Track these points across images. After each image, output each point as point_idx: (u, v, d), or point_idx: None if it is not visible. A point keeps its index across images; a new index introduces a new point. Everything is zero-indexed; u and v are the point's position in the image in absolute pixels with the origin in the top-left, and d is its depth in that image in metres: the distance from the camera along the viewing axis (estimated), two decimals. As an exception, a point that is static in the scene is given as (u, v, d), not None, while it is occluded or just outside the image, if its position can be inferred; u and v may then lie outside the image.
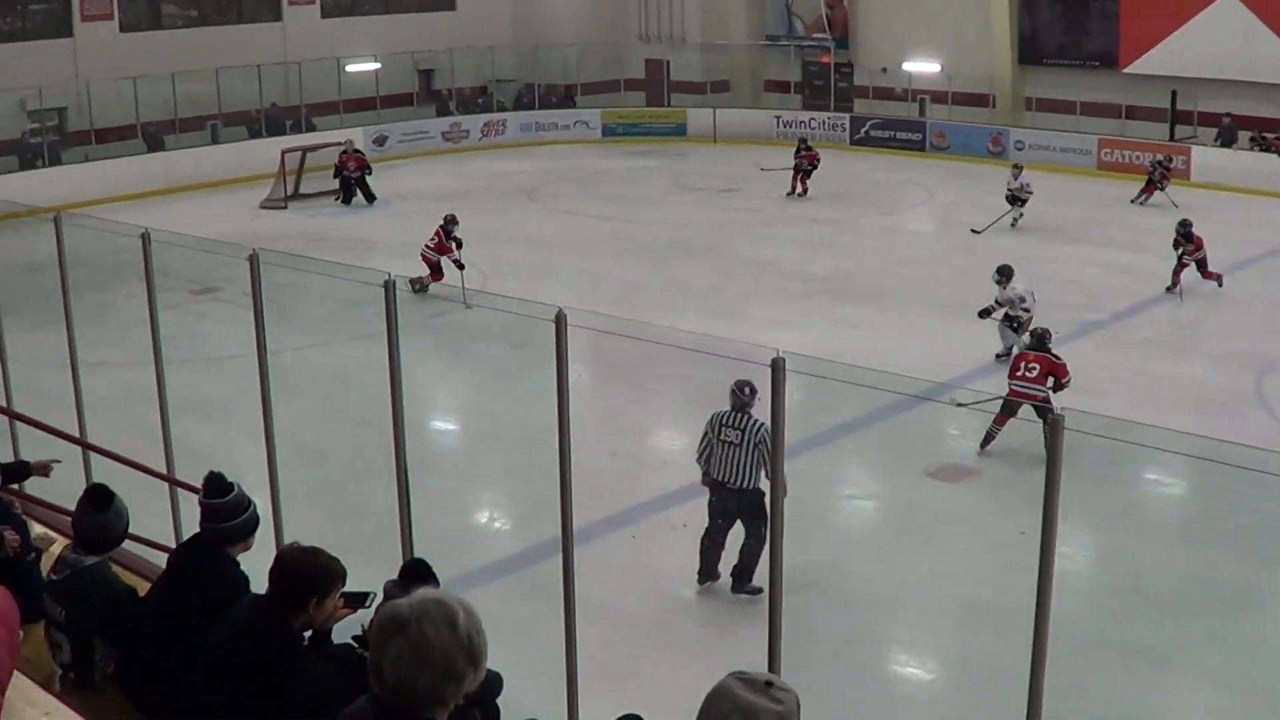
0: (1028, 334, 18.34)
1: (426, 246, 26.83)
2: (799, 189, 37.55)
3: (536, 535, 14.60)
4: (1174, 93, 40.33)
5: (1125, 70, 41.66)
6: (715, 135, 46.78)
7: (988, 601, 13.70)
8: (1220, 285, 26.35)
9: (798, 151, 37.97)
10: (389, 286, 9.34)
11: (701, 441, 13.97)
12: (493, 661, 6.59)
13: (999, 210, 31.79)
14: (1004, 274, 22.38)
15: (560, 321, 8.18)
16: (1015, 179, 32.39)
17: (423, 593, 4.01)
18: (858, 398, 18.05)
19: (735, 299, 26.29)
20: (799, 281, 27.76)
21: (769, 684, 3.62)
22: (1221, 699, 12.65)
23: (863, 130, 45.61)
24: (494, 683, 7.18)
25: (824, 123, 46.53)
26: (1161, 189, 34.97)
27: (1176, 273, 26.16)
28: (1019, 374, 17.70)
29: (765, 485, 13.24)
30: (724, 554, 14.01)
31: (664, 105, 50.13)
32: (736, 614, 13.00)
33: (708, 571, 14.07)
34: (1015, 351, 20.59)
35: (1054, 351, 17.90)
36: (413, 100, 48.22)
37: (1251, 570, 14.96)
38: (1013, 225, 31.88)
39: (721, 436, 13.76)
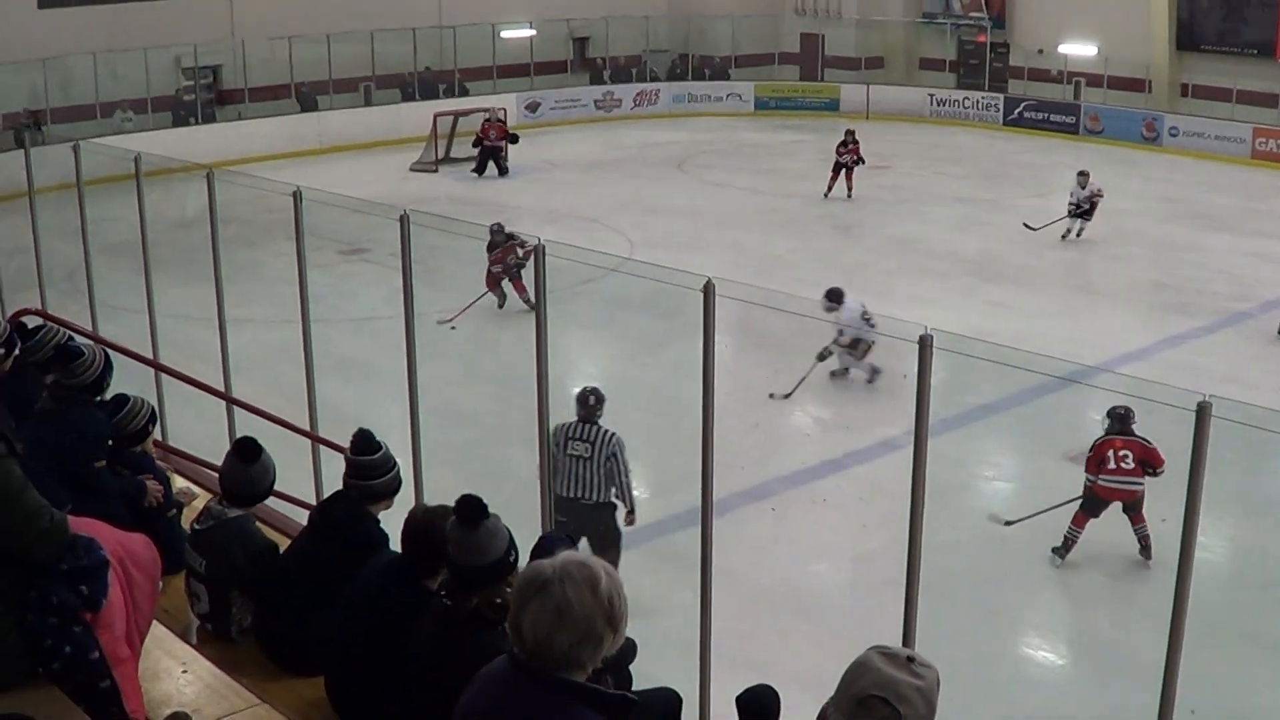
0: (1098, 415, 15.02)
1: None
2: (833, 188, 34.01)
3: (675, 505, 14.62)
4: (1331, 84, 39.47)
5: (1283, 59, 40.82)
6: (868, 112, 46.47)
7: (1125, 588, 13.59)
8: None
9: (844, 145, 34.13)
10: (538, 251, 9.40)
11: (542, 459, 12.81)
12: (628, 629, 6.65)
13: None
14: (834, 298, 19.43)
15: (708, 291, 8.19)
16: (1083, 187, 29.17)
17: (566, 554, 4.05)
18: (1000, 379, 17.92)
19: (882, 276, 26.12)
20: (946, 260, 27.56)
21: (910, 659, 3.65)
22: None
23: (1016, 111, 45.09)
24: (628, 649, 7.22)
25: (978, 102, 46.13)
26: None
27: None
28: (1110, 467, 14.28)
29: (616, 500, 12.81)
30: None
31: (817, 80, 49.87)
32: (872, 590, 12.95)
33: None
34: (852, 372, 19.78)
35: (1141, 434, 14.47)
36: (566, 68, 48.35)
37: None
38: (1065, 236, 29.36)
39: (568, 450, 12.74)
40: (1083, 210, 29.03)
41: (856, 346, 19.42)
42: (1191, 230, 30.61)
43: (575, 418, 12.94)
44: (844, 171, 34.03)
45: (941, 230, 30.49)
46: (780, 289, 20.41)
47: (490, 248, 22.90)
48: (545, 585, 3.89)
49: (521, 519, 6.59)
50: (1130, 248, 28.42)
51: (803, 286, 22.52)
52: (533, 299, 20.35)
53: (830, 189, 33.98)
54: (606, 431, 12.81)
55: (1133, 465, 14.25)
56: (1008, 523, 14.72)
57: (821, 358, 19.31)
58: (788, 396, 18.59)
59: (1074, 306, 24.38)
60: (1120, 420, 14.53)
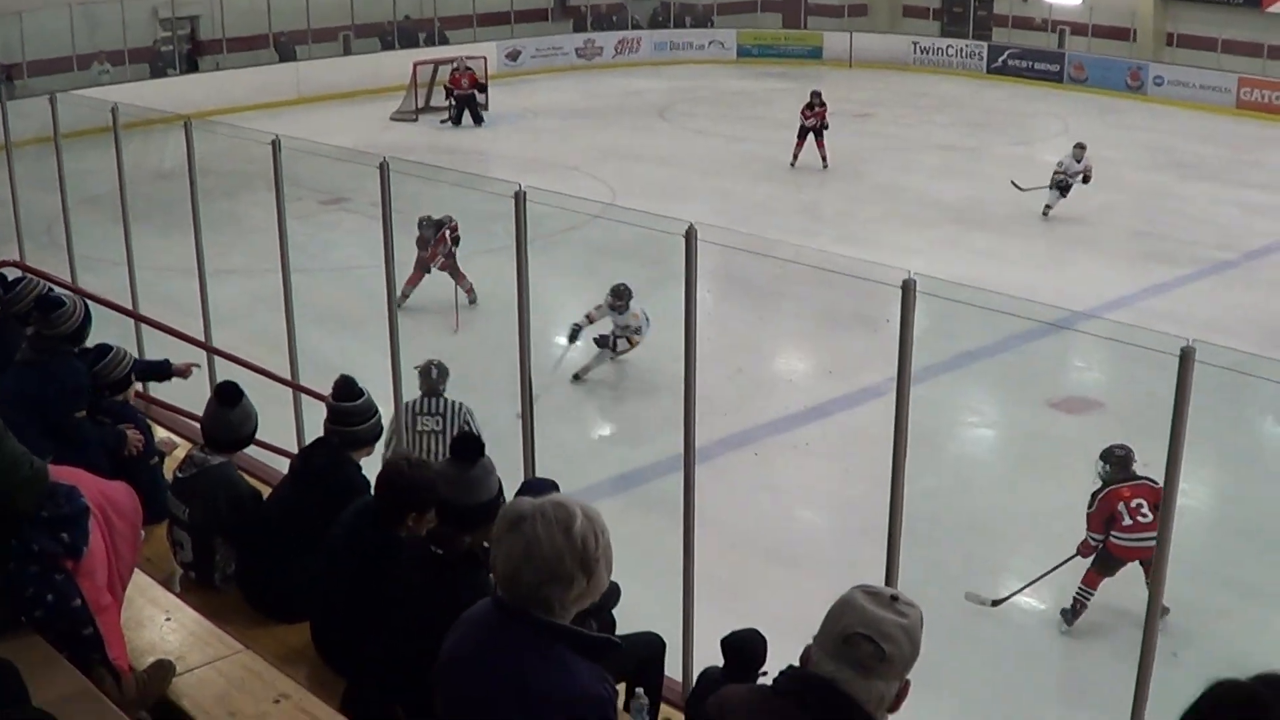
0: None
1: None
2: (800, 156, 31.79)
3: (658, 452, 14.64)
4: (1316, 33, 39.42)
5: (1269, 9, 40.68)
6: (851, 60, 46.40)
7: (1109, 535, 13.63)
8: None
9: (810, 108, 31.71)
10: (519, 198, 9.36)
11: (389, 436, 11.94)
12: (611, 573, 6.62)
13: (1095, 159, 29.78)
14: (620, 295, 18.05)
15: (691, 237, 8.17)
16: (1078, 160, 26.84)
17: (551, 495, 4.06)
18: (983, 326, 17.93)
19: (865, 224, 26.15)
20: (930, 209, 27.56)
21: (894, 598, 3.67)
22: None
23: (1000, 59, 44.93)
24: (611, 593, 7.23)
25: (961, 50, 45.98)
26: None
27: None
28: (1126, 524, 12.13)
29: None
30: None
31: (800, 28, 49.70)
32: (855, 536, 12.96)
33: None
34: (598, 364, 18.20)
35: (1143, 475, 12.39)
36: (547, 16, 48.17)
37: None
38: (1046, 211, 26.98)
39: (418, 427, 12.37)
40: (1068, 184, 26.88)
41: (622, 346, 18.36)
42: (1175, 179, 30.62)
43: (420, 393, 12.60)
44: (812, 137, 31.70)
45: (925, 178, 30.48)
46: (763, 236, 20.41)
47: (421, 243, 21.00)
48: (518, 522, 3.90)
49: (503, 467, 6.57)
50: (1114, 197, 28.37)
51: (786, 234, 22.54)
52: (473, 289, 20.00)
53: (797, 157, 31.86)
54: (454, 403, 12.52)
55: (1151, 517, 11.90)
56: (995, 602, 12.61)
57: (611, 345, 18.34)
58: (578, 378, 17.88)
59: (1058, 255, 24.43)
60: (1121, 464, 12.56)
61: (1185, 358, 6.60)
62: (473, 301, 20.74)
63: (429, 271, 21.03)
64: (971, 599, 12.46)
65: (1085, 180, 26.84)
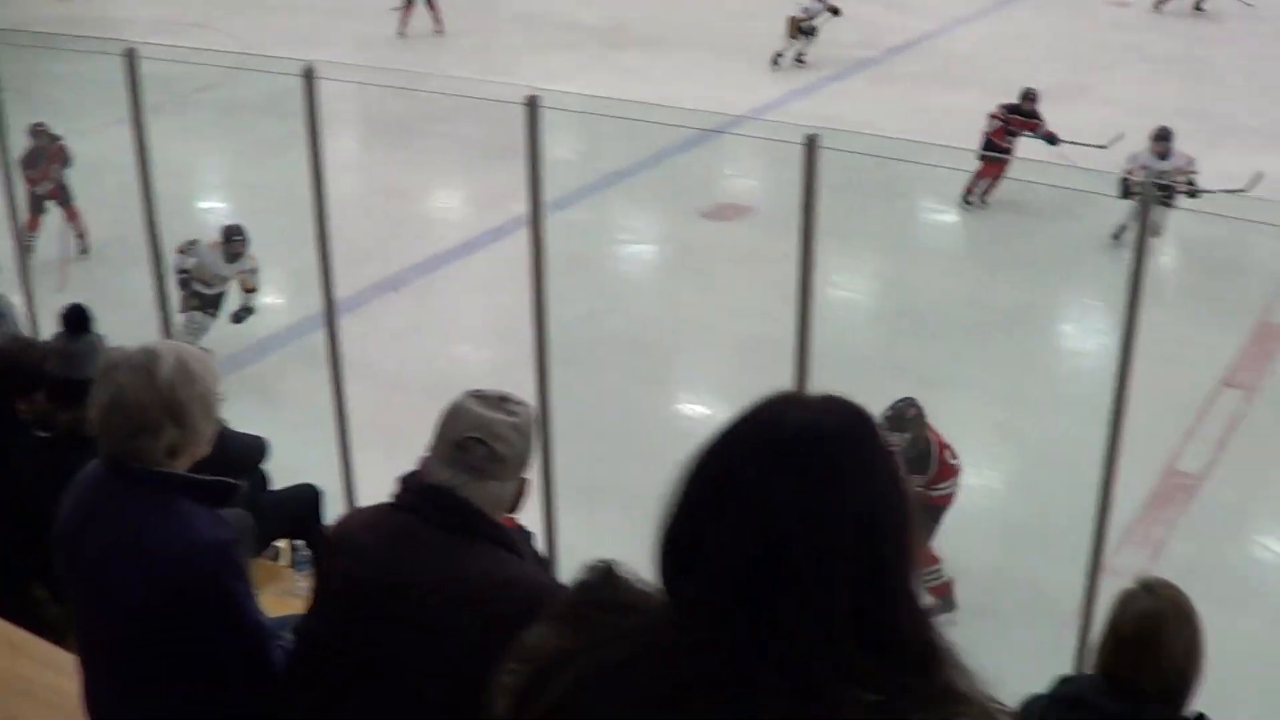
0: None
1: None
2: (409, 23, 28.01)
3: (309, 306, 14.39)
4: None
5: None
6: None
7: (765, 335, 13.77)
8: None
9: None
10: (131, 58, 8.99)
11: None
12: (269, 431, 6.44)
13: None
14: (239, 233, 14.59)
15: (309, 77, 7.98)
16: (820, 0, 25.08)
17: (154, 342, 3.92)
18: (629, 143, 18.05)
19: (505, 54, 25.88)
20: (571, 32, 27.46)
21: (503, 399, 3.73)
22: (993, 411, 13.18)
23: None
24: (255, 448, 7.12)
25: None
26: None
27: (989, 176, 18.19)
28: (954, 464, 10.66)
29: None
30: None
31: None
32: (513, 364, 12.91)
33: None
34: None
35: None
36: None
37: (1024, 293, 15.43)
38: (798, 60, 24.99)
39: None
40: (814, 28, 24.94)
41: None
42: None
43: None
44: (423, 2, 28.06)
45: (564, 3, 30.26)
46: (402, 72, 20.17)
47: (30, 160, 16.44)
48: (108, 371, 3.79)
49: (148, 339, 6.37)
50: (749, 4, 28.60)
51: (428, 69, 22.25)
52: (87, 234, 18.14)
53: (405, 24, 28.01)
54: None
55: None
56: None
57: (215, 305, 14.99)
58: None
59: (701, 67, 24.48)
60: (917, 421, 10.53)
61: (810, 145, 6.65)
62: (84, 250, 17.47)
63: (45, 211, 17.30)
64: None
65: (835, 13, 25.07)
